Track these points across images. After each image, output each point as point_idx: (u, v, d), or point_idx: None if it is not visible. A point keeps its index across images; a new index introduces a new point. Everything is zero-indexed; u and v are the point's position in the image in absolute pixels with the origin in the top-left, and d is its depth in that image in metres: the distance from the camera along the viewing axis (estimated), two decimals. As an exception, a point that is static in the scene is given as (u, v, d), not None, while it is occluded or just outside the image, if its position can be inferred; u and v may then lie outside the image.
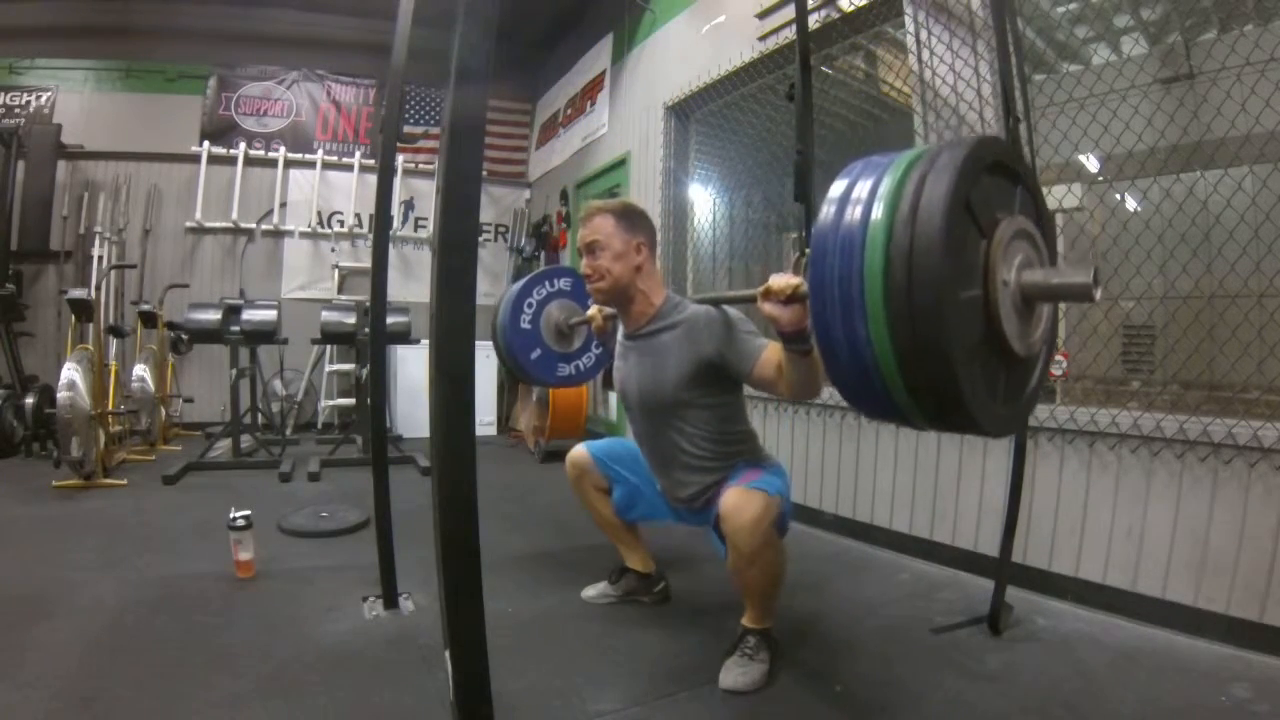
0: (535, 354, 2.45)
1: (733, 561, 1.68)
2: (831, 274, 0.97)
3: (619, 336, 2.04)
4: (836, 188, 1.02)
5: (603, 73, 5.41)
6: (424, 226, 6.48)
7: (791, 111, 2.46)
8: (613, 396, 5.22)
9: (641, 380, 1.90)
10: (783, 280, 1.36)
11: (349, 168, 6.20)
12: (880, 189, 0.96)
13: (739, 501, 1.64)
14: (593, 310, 2.19)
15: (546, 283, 2.48)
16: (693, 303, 1.87)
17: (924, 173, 0.93)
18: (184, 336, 4.80)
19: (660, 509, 2.09)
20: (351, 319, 4.69)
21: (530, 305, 2.44)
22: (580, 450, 2.20)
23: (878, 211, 0.94)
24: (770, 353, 1.64)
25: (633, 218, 1.88)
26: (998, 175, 1.03)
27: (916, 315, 0.89)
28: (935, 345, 0.89)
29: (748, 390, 1.87)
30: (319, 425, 5.95)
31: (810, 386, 1.54)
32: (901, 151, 1.01)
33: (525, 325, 2.43)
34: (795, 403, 1.89)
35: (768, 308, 1.38)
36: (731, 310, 1.78)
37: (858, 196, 0.98)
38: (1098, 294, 0.95)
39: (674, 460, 1.91)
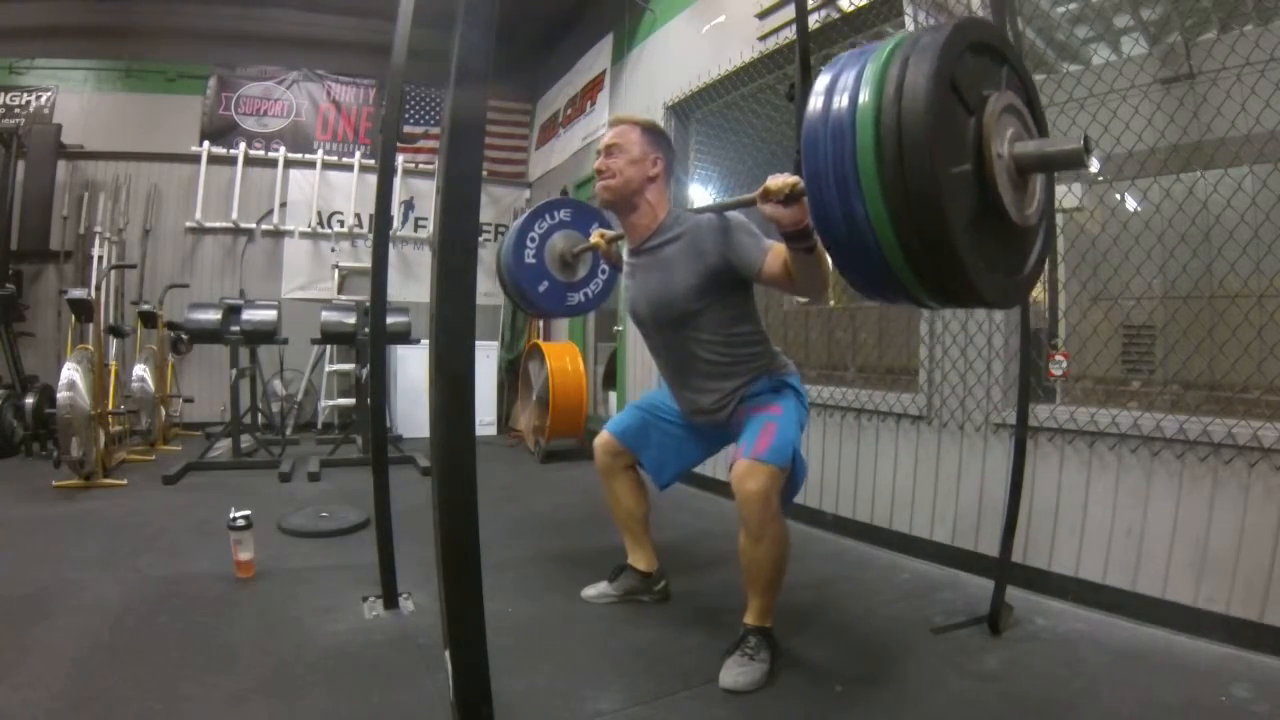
0: (543, 286, 2.47)
1: (742, 540, 1.74)
2: (825, 160, 1.00)
3: (625, 256, 2.05)
4: (823, 79, 1.05)
5: (603, 73, 5.41)
6: (424, 226, 6.49)
7: (791, 111, 2.46)
8: (613, 396, 5.22)
9: (651, 295, 1.90)
10: (780, 180, 1.40)
11: (349, 168, 6.20)
12: (865, 74, 0.98)
13: (745, 472, 1.70)
14: (595, 236, 2.26)
15: (547, 215, 2.49)
16: (694, 214, 1.89)
17: (906, 55, 0.95)
18: (184, 336, 4.81)
19: (689, 451, 2.10)
20: (351, 319, 4.69)
21: (533, 240, 2.45)
22: (604, 434, 2.20)
23: (864, 94, 0.96)
24: (776, 252, 1.68)
25: (657, 135, 1.94)
26: (983, 55, 1.05)
27: (911, 192, 0.92)
28: (932, 219, 0.92)
29: None
30: (319, 425, 5.95)
31: (817, 282, 1.59)
32: (884, 40, 1.04)
33: (530, 260, 2.44)
34: (808, 300, 1.94)
35: (767, 209, 1.43)
36: (733, 214, 1.80)
37: (844, 84, 1.01)
38: (1091, 161, 0.98)
39: (692, 369, 1.92)
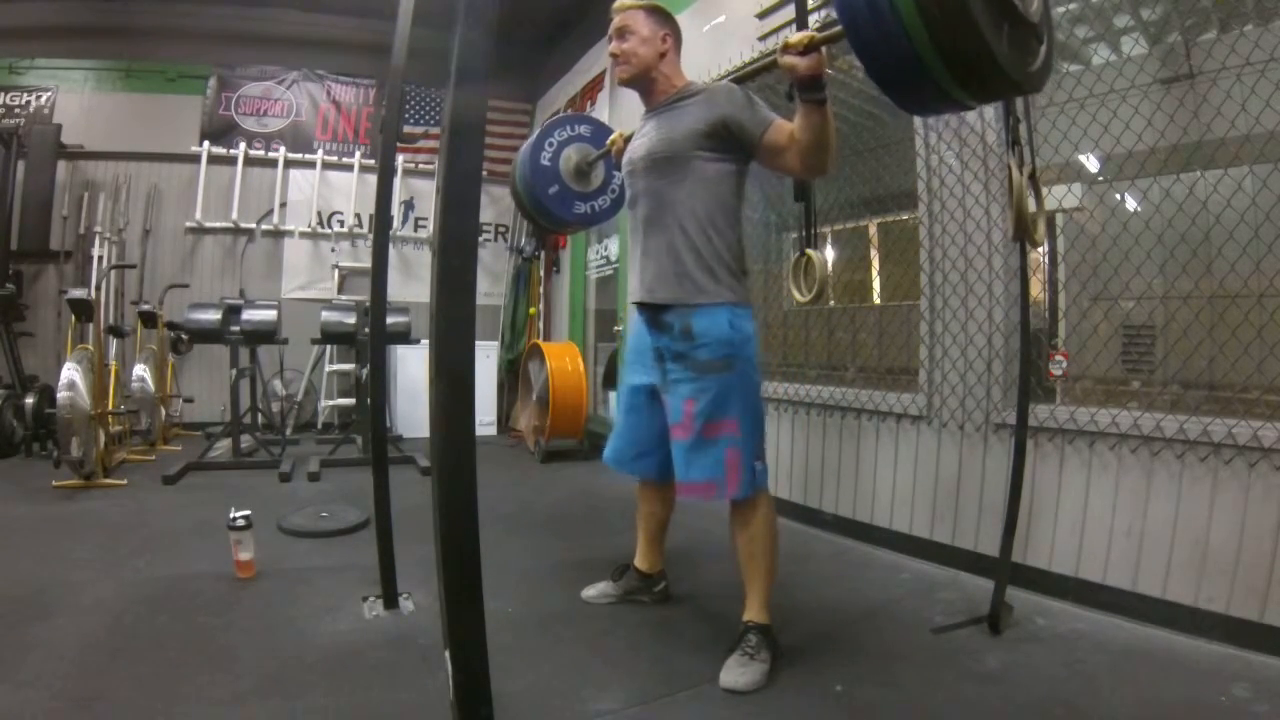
0: (553, 189, 2.50)
1: (733, 526, 1.89)
2: None
3: (640, 120, 2.05)
4: None
5: (603, 73, 5.41)
6: (424, 226, 6.48)
7: (791, 111, 2.46)
8: (613, 396, 5.22)
9: (653, 140, 1.90)
10: (799, 34, 1.50)
11: (349, 168, 6.20)
12: None
13: (739, 517, 1.87)
14: (614, 135, 2.31)
15: (568, 126, 2.54)
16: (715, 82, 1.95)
17: None
18: (184, 336, 4.80)
19: (660, 417, 2.00)
20: (351, 319, 4.69)
21: (551, 144, 2.50)
22: (609, 466, 2.18)
23: None
24: (783, 123, 1.75)
25: (661, 13, 1.98)
26: None
27: None
28: None
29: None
30: (319, 425, 5.95)
31: (822, 146, 1.63)
32: None
33: (545, 162, 2.48)
34: (807, 175, 1.91)
35: (787, 59, 1.51)
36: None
37: None
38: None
39: (665, 228, 1.85)
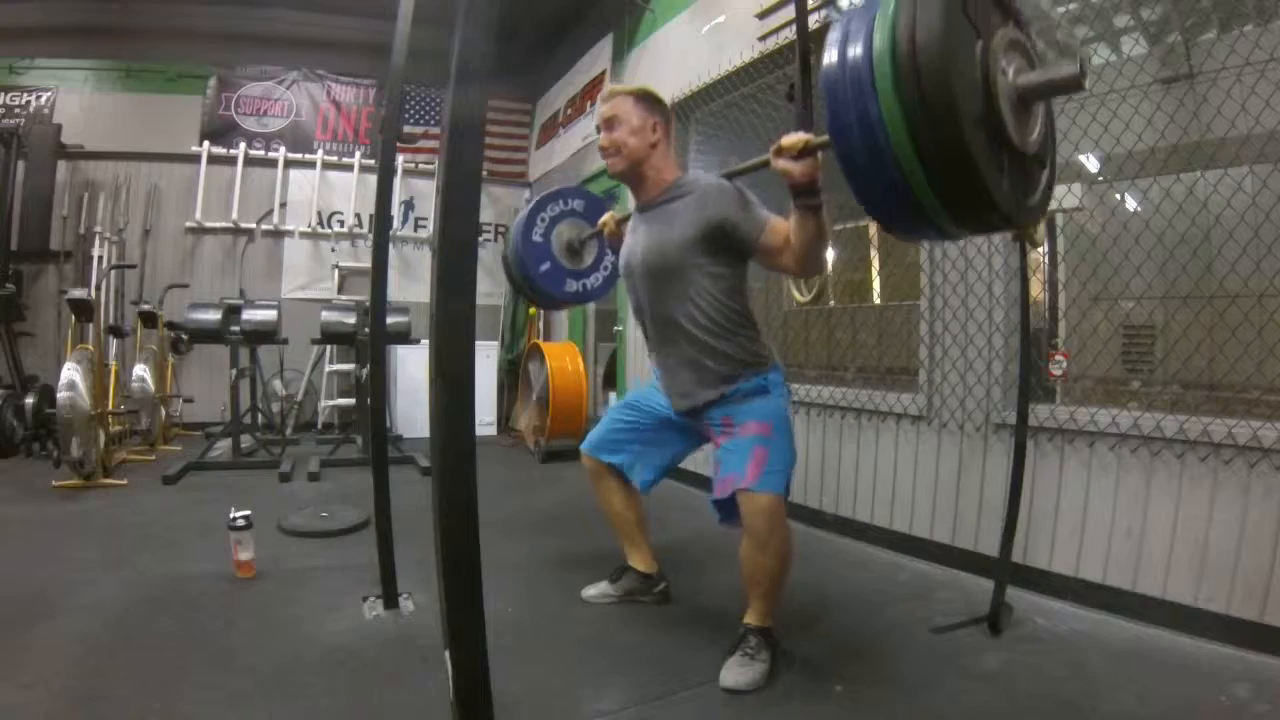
0: (545, 267, 2.47)
1: (745, 546, 1.75)
2: (842, 67, 1.08)
3: (632, 217, 2.05)
4: (837, 28, 1.13)
5: (603, 73, 5.41)
6: (424, 226, 6.48)
7: (791, 111, 2.46)
8: (613, 396, 5.22)
9: (648, 246, 1.88)
10: (794, 137, 1.44)
11: (349, 168, 6.20)
12: (876, 9, 1.07)
13: (750, 507, 1.73)
14: (605, 217, 2.26)
15: (561, 200, 2.51)
16: (706, 176, 1.90)
17: None
18: (184, 336, 4.81)
19: (666, 447, 2.08)
20: (351, 319, 4.69)
21: (543, 220, 2.47)
22: (583, 451, 2.23)
23: (880, 13, 1.05)
24: (779, 224, 1.70)
25: (652, 100, 1.94)
26: (994, 6, 1.14)
27: (925, 85, 0.99)
28: (943, 109, 0.98)
29: None
30: (319, 425, 5.95)
31: (816, 250, 1.60)
32: None
33: (537, 238, 2.46)
34: (802, 275, 1.91)
35: (780, 163, 1.46)
36: (741, 184, 1.83)
37: (861, 12, 1.10)
38: (1086, 83, 1.05)
39: (677, 334, 1.86)
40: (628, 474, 2.14)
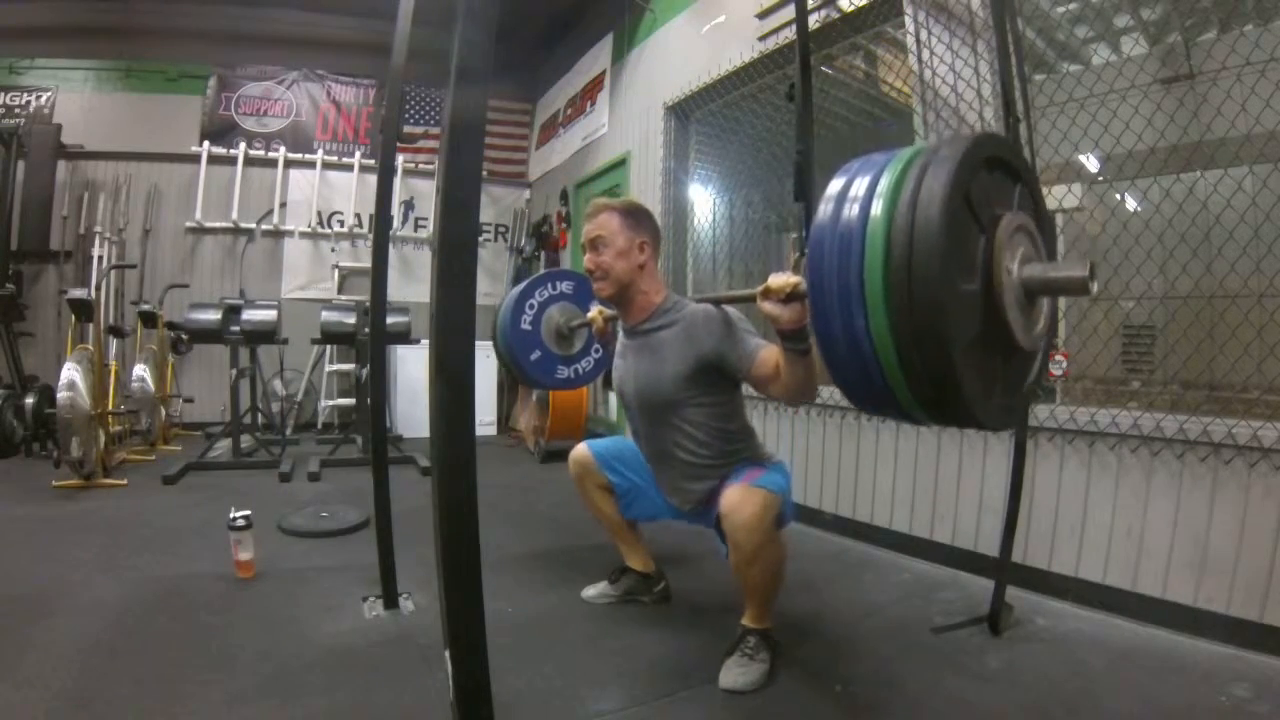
0: (535, 355, 2.46)
1: (734, 560, 1.70)
2: (830, 267, 0.98)
3: (619, 335, 2.05)
4: (835, 185, 1.03)
5: (603, 73, 5.41)
6: (424, 226, 6.48)
7: (791, 111, 2.47)
8: (613, 396, 5.21)
9: (639, 378, 1.90)
10: (782, 279, 1.37)
11: (349, 168, 6.20)
12: (880, 184, 0.96)
13: (739, 499, 1.66)
14: (593, 311, 2.21)
15: (549, 285, 2.49)
16: (692, 302, 1.88)
17: (924, 165, 0.94)
18: (184, 336, 4.80)
19: (661, 508, 2.08)
20: (351, 319, 4.69)
21: (532, 306, 2.45)
22: (581, 448, 2.20)
23: (877, 206, 0.95)
24: (768, 353, 1.64)
25: (638, 216, 1.90)
26: (997, 171, 1.04)
27: (917, 307, 0.90)
28: (935, 336, 0.90)
29: (746, 390, 1.87)
30: (319, 425, 5.95)
31: (807, 388, 1.55)
32: (899, 149, 1.01)
33: (526, 326, 2.44)
34: (791, 405, 1.89)
35: (767, 306, 1.39)
36: (731, 310, 1.79)
37: (855, 193, 0.99)
38: (1094, 287, 0.97)
39: (673, 460, 1.91)
40: (620, 498, 2.14)
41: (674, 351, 1.81)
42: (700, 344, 1.77)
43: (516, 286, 2.53)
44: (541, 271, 2.68)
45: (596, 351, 2.53)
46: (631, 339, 1.96)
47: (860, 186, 0.99)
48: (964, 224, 0.95)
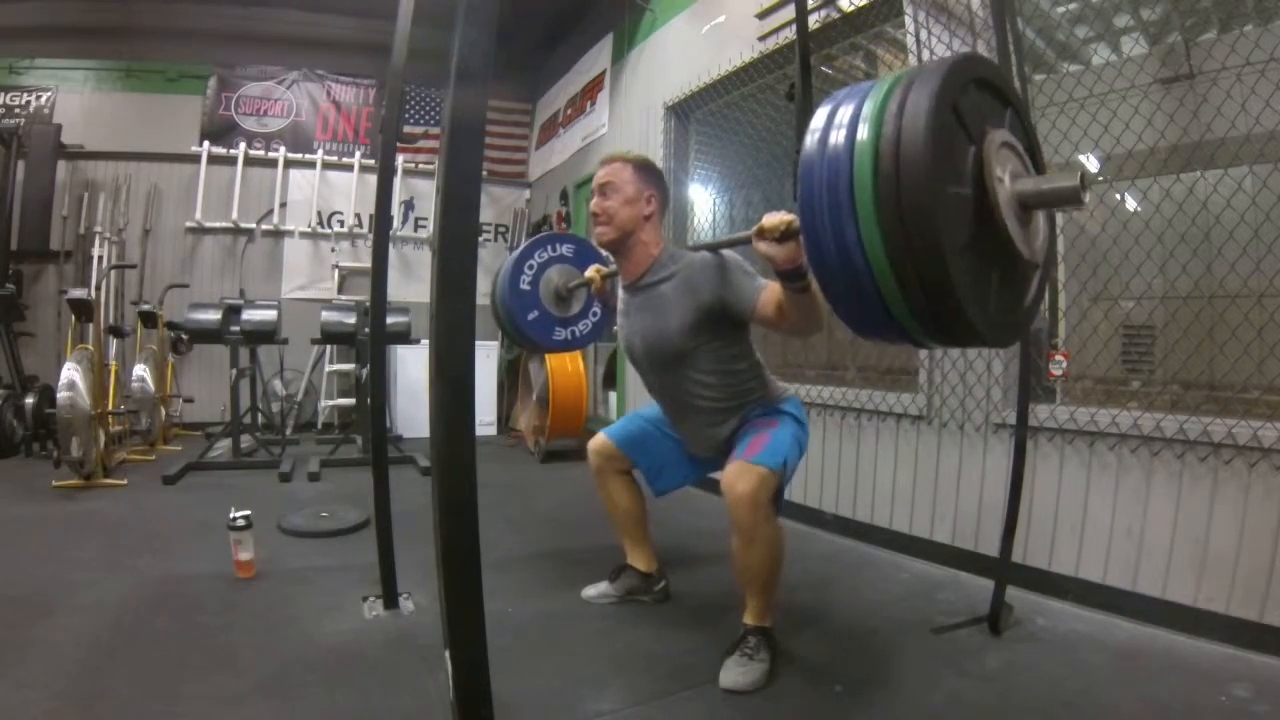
0: (532, 315, 2.45)
1: (735, 544, 1.73)
2: (820, 184, 0.98)
3: (619, 292, 2.06)
4: (820, 113, 1.03)
5: (603, 73, 5.41)
6: (424, 226, 6.48)
7: (791, 111, 2.46)
8: (613, 396, 5.22)
9: (646, 334, 1.91)
10: (775, 218, 1.39)
11: (349, 168, 6.20)
12: (865, 106, 0.97)
13: (735, 474, 1.69)
14: (591, 271, 2.24)
15: (549, 246, 2.49)
16: (689, 251, 1.89)
17: (910, 81, 0.94)
18: (184, 336, 4.80)
19: (689, 472, 2.12)
20: (351, 319, 4.69)
21: (531, 267, 2.45)
22: (600, 438, 2.22)
23: (863, 126, 0.95)
24: (770, 292, 1.67)
25: (650, 171, 1.94)
26: (987, 92, 1.05)
27: (906, 212, 0.90)
28: (926, 240, 0.90)
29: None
30: (319, 425, 5.94)
31: (811, 322, 1.58)
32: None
33: (525, 286, 2.44)
34: (801, 338, 1.92)
35: (762, 247, 1.41)
36: (728, 253, 1.80)
37: (841, 117, 0.99)
38: (1086, 197, 0.97)
39: (691, 409, 1.93)
40: (647, 476, 2.16)
41: (677, 303, 1.83)
42: (701, 293, 1.78)
43: (516, 249, 2.53)
44: (542, 234, 2.67)
45: (594, 314, 2.54)
46: (633, 295, 1.96)
47: (846, 111, 0.99)
48: (951, 131, 0.95)
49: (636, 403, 4.11)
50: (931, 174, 0.89)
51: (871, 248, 0.93)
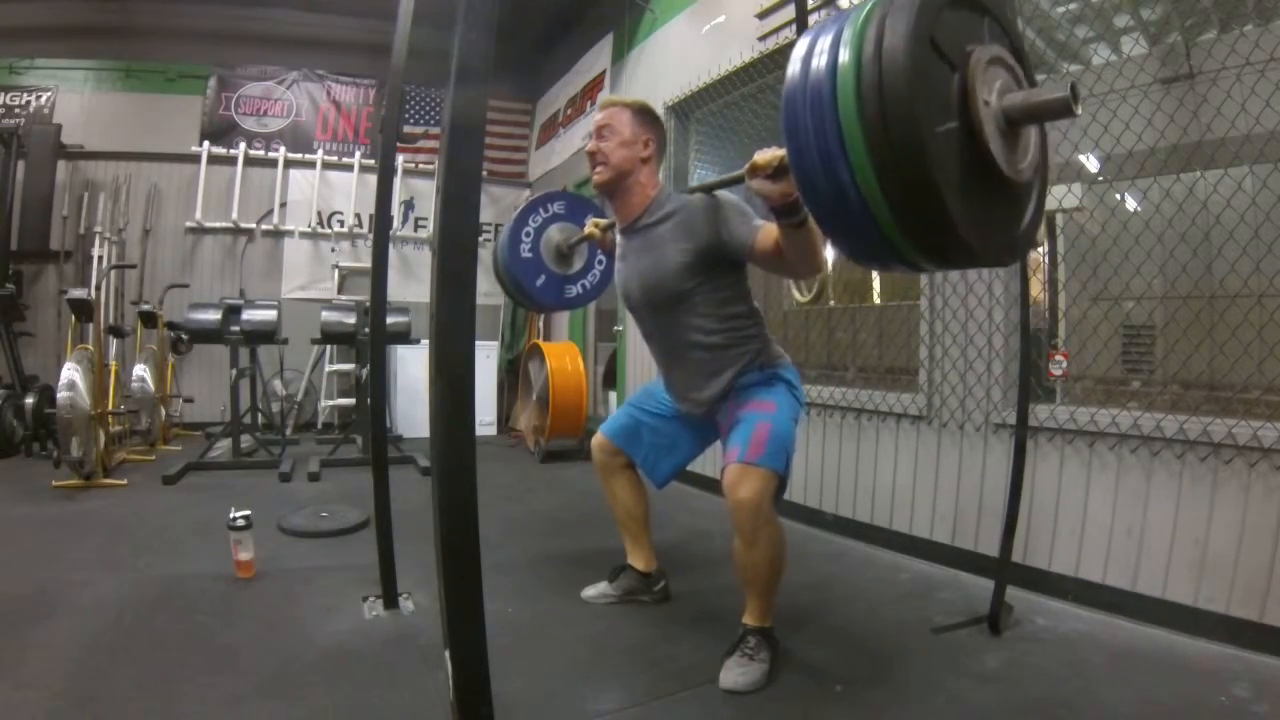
0: (541, 280, 2.47)
1: (737, 545, 1.73)
2: (806, 127, 0.98)
3: (617, 237, 2.05)
4: (799, 46, 1.03)
5: (603, 73, 5.41)
6: (424, 226, 6.48)
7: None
8: (613, 396, 5.22)
9: (644, 276, 1.89)
10: (767, 154, 1.38)
11: (349, 168, 6.20)
12: (843, 37, 0.96)
13: (738, 477, 1.69)
14: (590, 226, 2.25)
15: (540, 209, 2.50)
16: (685, 194, 1.88)
17: (883, 15, 0.94)
18: (184, 336, 4.80)
19: (682, 447, 2.09)
20: (351, 319, 4.69)
21: (528, 234, 2.46)
22: (598, 436, 2.21)
23: (844, 58, 0.95)
24: (767, 232, 1.65)
25: (647, 115, 1.93)
26: (962, 8, 1.03)
27: (896, 150, 0.91)
28: (922, 182, 0.91)
29: None
30: (319, 425, 5.95)
31: (809, 259, 1.56)
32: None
33: (526, 254, 2.45)
34: (801, 279, 1.91)
35: (755, 184, 1.40)
36: (725, 194, 1.79)
37: (820, 49, 0.99)
38: (1079, 109, 0.97)
39: (685, 354, 1.90)
40: (645, 469, 2.15)
41: (674, 244, 1.81)
42: (699, 233, 1.77)
43: (511, 219, 2.53)
44: (531, 197, 2.69)
45: (600, 263, 2.54)
46: (630, 238, 1.95)
47: (824, 42, 0.99)
48: (932, 66, 0.95)
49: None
50: (918, 117, 0.90)
51: (866, 186, 0.95)
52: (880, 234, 0.98)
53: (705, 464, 2.38)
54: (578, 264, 2.54)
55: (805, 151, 0.99)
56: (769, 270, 1.75)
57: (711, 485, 3.75)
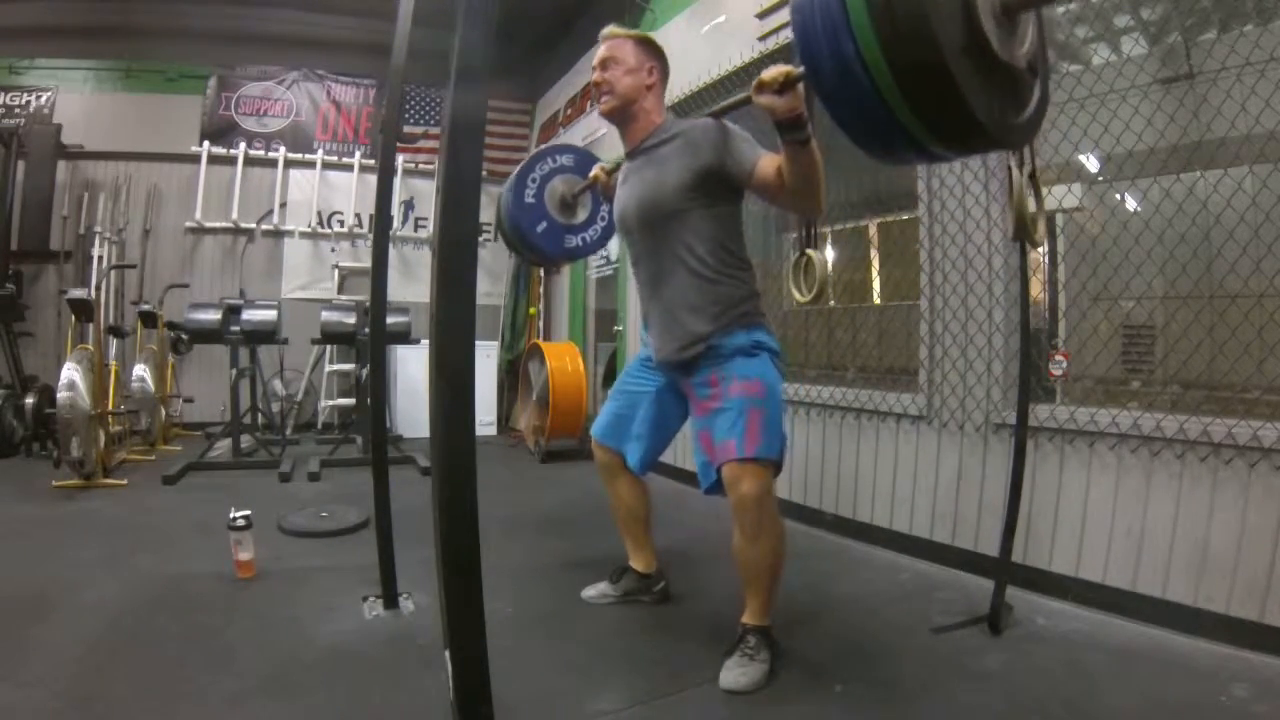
0: (541, 227, 2.46)
1: (737, 541, 1.74)
2: (814, 9, 1.04)
3: (623, 166, 2.05)
4: None
5: (603, 73, 5.40)
6: (424, 226, 6.48)
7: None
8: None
9: (642, 191, 1.87)
10: (774, 71, 1.39)
11: (349, 168, 6.20)
12: None
13: (738, 474, 1.70)
14: (595, 169, 2.27)
15: (549, 159, 2.49)
16: (691, 119, 1.89)
17: None
18: (184, 336, 4.80)
19: (664, 424, 2.06)
20: (351, 319, 4.69)
21: (534, 180, 2.45)
22: (596, 440, 2.20)
23: None
24: (769, 160, 1.67)
25: (649, 44, 1.95)
26: None
27: (901, 23, 0.96)
28: (922, 40, 0.95)
29: None
30: (319, 425, 5.95)
31: (810, 186, 1.56)
32: None
33: (530, 200, 2.44)
34: (800, 213, 1.89)
35: (763, 100, 1.41)
36: (731, 123, 1.80)
37: None
38: None
39: (671, 282, 1.84)
40: (632, 463, 2.12)
41: (675, 163, 1.81)
42: (702, 154, 1.77)
43: (518, 165, 2.53)
44: (541, 147, 2.68)
45: (602, 219, 2.54)
46: (633, 160, 1.96)
47: None
48: None
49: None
50: None
51: (873, 61, 0.99)
52: (885, 109, 1.02)
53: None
54: (581, 215, 2.53)
55: (810, 28, 1.04)
56: (768, 199, 1.75)
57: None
